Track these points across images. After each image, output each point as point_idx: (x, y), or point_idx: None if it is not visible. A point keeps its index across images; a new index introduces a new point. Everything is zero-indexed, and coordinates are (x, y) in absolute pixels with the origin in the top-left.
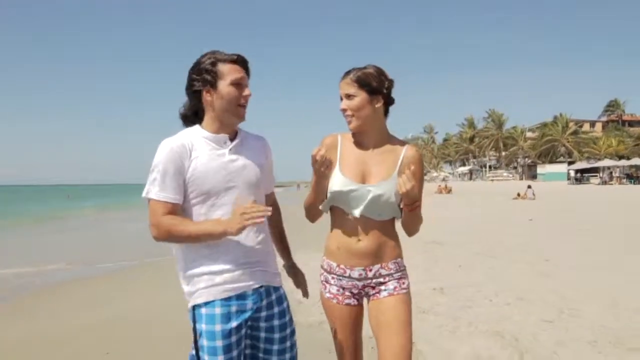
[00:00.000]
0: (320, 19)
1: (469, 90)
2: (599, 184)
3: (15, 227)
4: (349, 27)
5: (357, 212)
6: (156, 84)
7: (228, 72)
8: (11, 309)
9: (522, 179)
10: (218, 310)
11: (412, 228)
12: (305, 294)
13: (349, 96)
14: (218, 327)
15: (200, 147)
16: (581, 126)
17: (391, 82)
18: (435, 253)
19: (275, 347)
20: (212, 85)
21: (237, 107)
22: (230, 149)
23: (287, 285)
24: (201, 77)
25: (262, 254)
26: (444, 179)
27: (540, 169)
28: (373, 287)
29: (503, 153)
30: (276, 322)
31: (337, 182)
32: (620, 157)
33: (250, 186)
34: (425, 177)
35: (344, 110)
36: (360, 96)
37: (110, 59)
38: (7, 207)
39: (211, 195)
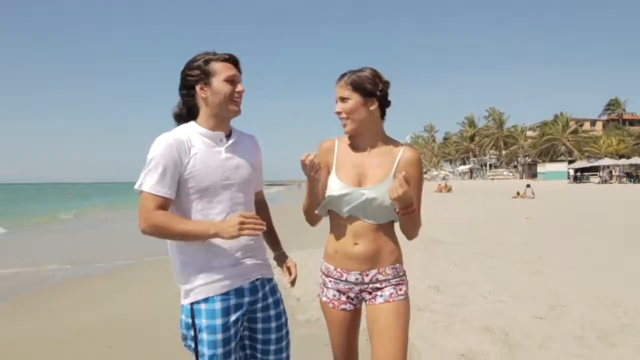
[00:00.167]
0: (320, 19)
1: (469, 89)
2: (598, 183)
3: (15, 228)
4: (349, 27)
5: (346, 213)
6: (156, 84)
7: (221, 70)
8: (11, 308)
9: (522, 177)
10: (218, 305)
11: (409, 232)
12: (292, 282)
13: (343, 99)
14: (219, 321)
15: (198, 143)
16: (581, 125)
17: (386, 83)
18: (435, 252)
19: (273, 336)
20: (206, 82)
21: (232, 102)
22: (226, 148)
23: (287, 286)
24: (195, 74)
25: (255, 248)
26: (444, 178)
27: (540, 168)
28: (370, 292)
29: (503, 152)
30: (272, 312)
31: (333, 186)
32: (621, 156)
33: (244, 184)
34: (426, 176)
35: (338, 113)
36: (354, 99)
37: (110, 59)
38: (7, 207)
39: (209, 192)
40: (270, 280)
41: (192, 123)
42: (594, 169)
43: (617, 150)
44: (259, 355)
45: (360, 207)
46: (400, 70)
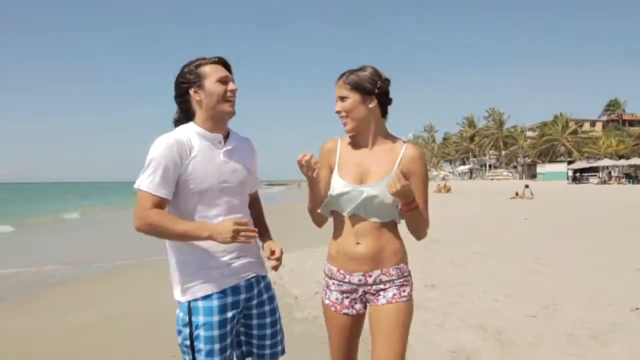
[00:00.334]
0: (320, 19)
1: (469, 89)
2: (597, 183)
3: (17, 227)
4: (349, 27)
5: (346, 212)
6: (157, 83)
7: (212, 72)
8: (11, 308)
9: (522, 178)
10: (215, 303)
11: (417, 231)
12: (275, 267)
13: (342, 98)
14: (216, 318)
15: (197, 145)
16: (581, 126)
17: (385, 81)
18: (433, 251)
19: (268, 331)
20: (199, 85)
21: (225, 101)
22: (224, 151)
23: (286, 285)
24: (187, 79)
25: (250, 246)
26: (443, 178)
27: (540, 169)
28: (373, 294)
29: (503, 152)
30: (267, 308)
31: (335, 185)
32: (620, 157)
33: (240, 187)
34: None
35: (338, 112)
36: (353, 98)
37: (110, 59)
38: (9, 207)
39: (206, 194)
40: (264, 277)
41: (191, 124)
42: (594, 170)
43: (617, 151)
44: (255, 350)
45: (361, 205)
46: (400, 69)
